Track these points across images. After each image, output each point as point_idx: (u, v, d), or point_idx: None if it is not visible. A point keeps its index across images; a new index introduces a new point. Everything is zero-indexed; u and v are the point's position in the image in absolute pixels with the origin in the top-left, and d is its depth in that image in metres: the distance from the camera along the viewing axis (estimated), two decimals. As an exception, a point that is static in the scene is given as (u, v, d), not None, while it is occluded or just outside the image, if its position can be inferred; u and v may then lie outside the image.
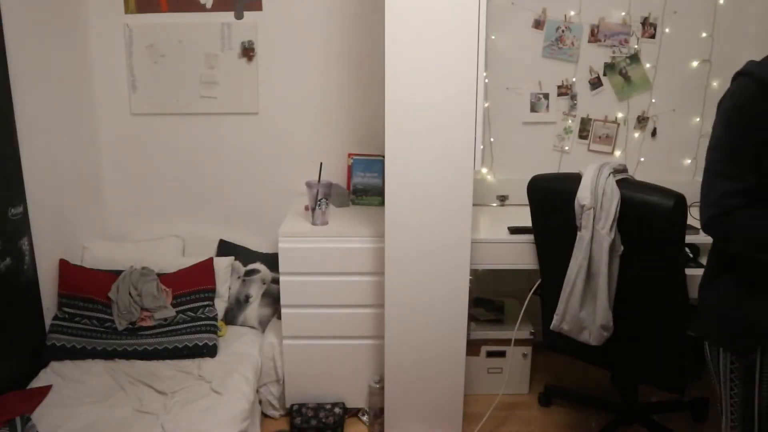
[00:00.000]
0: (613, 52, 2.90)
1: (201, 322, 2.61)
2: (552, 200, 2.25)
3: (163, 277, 2.71)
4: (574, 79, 2.93)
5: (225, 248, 3.03)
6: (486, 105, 2.93)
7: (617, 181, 2.09)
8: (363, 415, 2.68)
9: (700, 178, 1.92)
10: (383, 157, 2.34)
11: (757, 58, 2.90)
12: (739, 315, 1.53)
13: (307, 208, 2.73)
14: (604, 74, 2.93)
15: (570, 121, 2.98)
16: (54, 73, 2.64)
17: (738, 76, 1.55)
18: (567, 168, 3.01)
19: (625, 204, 2.06)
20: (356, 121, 3.01)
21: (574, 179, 2.16)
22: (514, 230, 2.56)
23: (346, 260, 2.52)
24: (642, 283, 2.13)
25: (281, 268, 2.53)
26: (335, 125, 3.02)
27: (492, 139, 2.99)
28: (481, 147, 2.32)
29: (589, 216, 2.08)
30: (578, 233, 2.13)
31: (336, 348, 2.62)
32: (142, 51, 2.92)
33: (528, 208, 2.94)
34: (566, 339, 2.28)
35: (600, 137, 2.99)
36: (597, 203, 2.07)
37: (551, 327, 2.24)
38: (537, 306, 3.18)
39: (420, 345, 2.46)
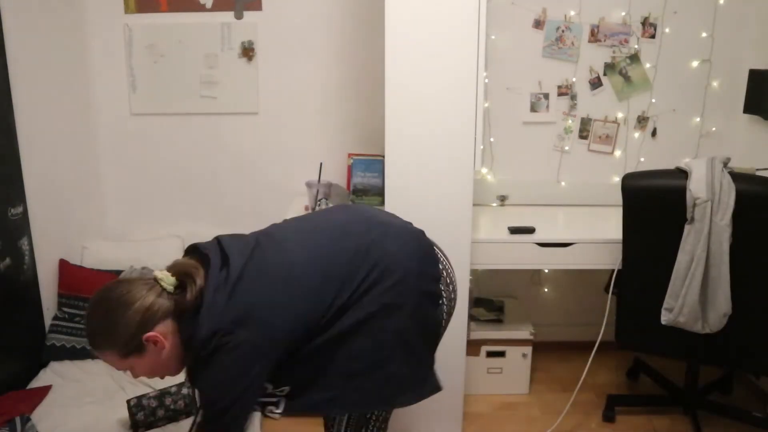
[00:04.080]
0: (613, 52, 2.90)
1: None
2: (650, 196, 2.28)
3: (163, 277, 2.71)
4: (574, 79, 2.93)
5: (225, 248, 3.03)
6: (486, 105, 2.93)
7: None
8: (363, 415, 2.68)
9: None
10: (383, 157, 2.34)
11: (757, 57, 2.92)
12: None
13: (307, 208, 2.74)
14: (604, 74, 2.93)
15: (570, 121, 2.98)
16: (54, 73, 2.64)
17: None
18: (567, 168, 3.01)
19: (737, 195, 2.14)
20: (356, 121, 3.01)
21: (674, 175, 2.24)
22: (514, 230, 2.56)
23: (346, 260, 2.52)
24: (754, 271, 2.20)
25: (281, 268, 2.53)
26: (335, 125, 3.02)
27: (492, 139, 2.99)
28: (481, 147, 2.32)
29: (705, 209, 2.13)
30: (687, 226, 2.18)
31: (336, 348, 2.61)
32: (142, 51, 2.92)
33: (528, 208, 2.96)
34: (655, 337, 2.37)
35: (600, 137, 2.99)
36: (714, 196, 2.13)
37: (665, 322, 2.28)
38: (537, 306, 3.20)
39: (420, 345, 2.45)
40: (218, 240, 1.53)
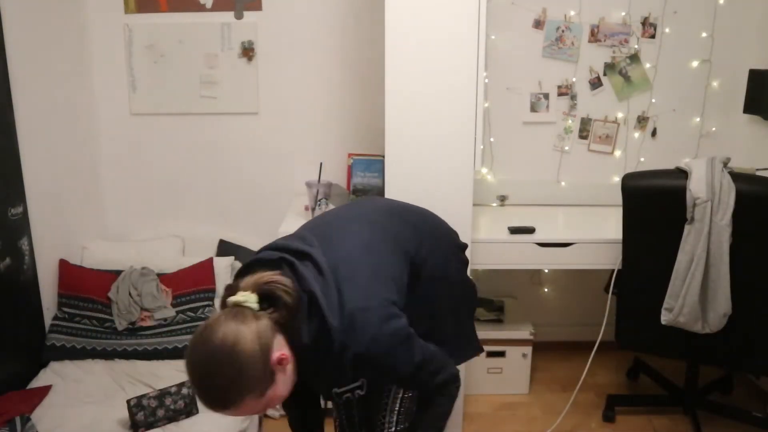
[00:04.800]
0: (613, 52, 2.90)
1: (201, 323, 2.61)
2: (650, 196, 2.28)
3: (163, 277, 2.71)
4: (574, 79, 2.93)
5: (225, 248, 3.03)
6: (486, 105, 2.93)
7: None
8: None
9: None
10: (383, 157, 2.34)
11: (757, 57, 2.91)
12: None
13: (307, 208, 2.73)
14: (604, 74, 2.93)
15: (570, 121, 2.98)
16: (54, 73, 2.64)
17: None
18: (567, 168, 3.01)
19: (737, 195, 2.14)
20: (356, 121, 3.01)
21: (674, 175, 2.24)
22: (514, 230, 2.56)
23: (346, 260, 2.51)
24: (754, 271, 2.20)
25: (281, 268, 2.53)
26: (335, 125, 3.02)
27: (492, 139, 2.99)
28: (481, 147, 2.32)
29: (705, 209, 2.13)
30: (687, 226, 2.19)
31: (336, 348, 2.61)
32: (142, 51, 2.92)
33: (528, 208, 2.96)
34: (655, 337, 2.37)
35: (600, 137, 2.99)
36: (714, 196, 2.13)
37: (665, 322, 2.28)
38: (537, 306, 3.20)
39: (420, 345, 2.45)
40: (268, 247, 1.47)
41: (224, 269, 2.82)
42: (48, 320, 2.55)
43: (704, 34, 2.88)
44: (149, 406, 2.13)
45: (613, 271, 2.48)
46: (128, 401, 2.11)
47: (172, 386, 2.19)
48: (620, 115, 2.97)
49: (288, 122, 3.01)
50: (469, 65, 2.20)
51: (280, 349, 1.28)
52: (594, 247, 2.52)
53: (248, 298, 1.27)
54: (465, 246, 1.86)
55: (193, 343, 1.25)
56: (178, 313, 2.63)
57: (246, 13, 2.89)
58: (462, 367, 2.49)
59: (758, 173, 2.73)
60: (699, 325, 2.24)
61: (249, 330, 1.22)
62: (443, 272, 1.69)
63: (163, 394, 2.16)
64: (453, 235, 1.84)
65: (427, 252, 1.63)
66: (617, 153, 3.00)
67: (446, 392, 1.54)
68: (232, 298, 1.28)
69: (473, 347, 1.83)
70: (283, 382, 1.30)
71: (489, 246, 2.52)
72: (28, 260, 2.41)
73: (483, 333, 2.81)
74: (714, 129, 2.97)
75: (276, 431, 2.61)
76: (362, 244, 1.49)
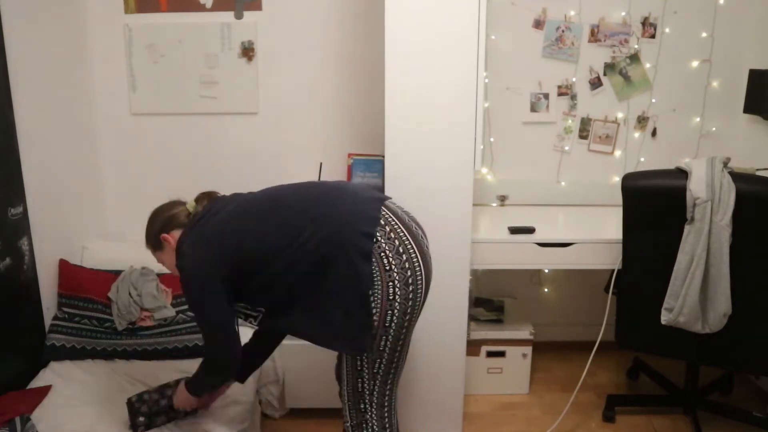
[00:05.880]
0: (613, 52, 2.91)
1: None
2: (650, 196, 2.28)
3: (162, 277, 2.71)
4: (574, 79, 2.93)
5: (225, 248, 3.03)
6: (486, 105, 2.93)
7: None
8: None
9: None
10: (383, 157, 2.34)
11: (757, 57, 2.91)
12: None
13: (307, 208, 2.73)
14: (604, 74, 2.93)
15: (570, 121, 2.98)
16: (54, 73, 2.64)
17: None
18: (567, 168, 3.02)
19: (737, 195, 2.14)
20: (356, 121, 3.01)
21: (674, 175, 2.24)
22: (514, 230, 2.56)
23: (346, 260, 2.51)
24: (754, 271, 2.20)
25: (281, 268, 2.53)
26: (335, 125, 3.02)
27: (492, 139, 2.99)
28: (481, 147, 2.33)
29: (705, 209, 2.13)
30: (687, 226, 2.19)
31: (336, 348, 2.61)
32: (142, 51, 2.92)
33: (528, 208, 2.96)
34: (655, 337, 2.37)
35: (600, 137, 2.99)
36: (714, 196, 2.13)
37: (665, 322, 2.28)
38: (537, 306, 3.20)
39: (420, 345, 2.46)
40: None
41: (224, 269, 2.82)
42: (48, 320, 2.55)
43: (704, 34, 2.88)
44: (151, 399, 2.11)
45: (613, 271, 2.48)
46: (129, 398, 2.11)
47: (171, 381, 2.17)
48: (620, 115, 2.97)
49: (288, 122, 3.01)
50: (469, 65, 2.20)
51: (173, 235, 1.88)
52: (594, 247, 2.52)
53: (189, 204, 1.92)
54: (370, 234, 1.71)
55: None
56: (178, 313, 2.63)
57: (246, 13, 2.89)
58: (461, 367, 2.50)
59: (758, 173, 2.73)
60: (699, 325, 2.24)
61: (170, 213, 1.91)
62: (332, 251, 1.69)
63: (162, 387, 2.15)
64: (361, 223, 1.72)
65: (312, 228, 1.72)
66: (617, 153, 3.00)
67: (211, 369, 1.95)
68: (190, 203, 1.93)
69: (360, 345, 1.74)
70: (168, 255, 1.90)
71: (489, 246, 2.52)
72: (28, 260, 2.41)
73: (483, 333, 2.82)
74: (714, 129, 2.97)
75: (276, 431, 2.61)
76: (236, 213, 1.83)
